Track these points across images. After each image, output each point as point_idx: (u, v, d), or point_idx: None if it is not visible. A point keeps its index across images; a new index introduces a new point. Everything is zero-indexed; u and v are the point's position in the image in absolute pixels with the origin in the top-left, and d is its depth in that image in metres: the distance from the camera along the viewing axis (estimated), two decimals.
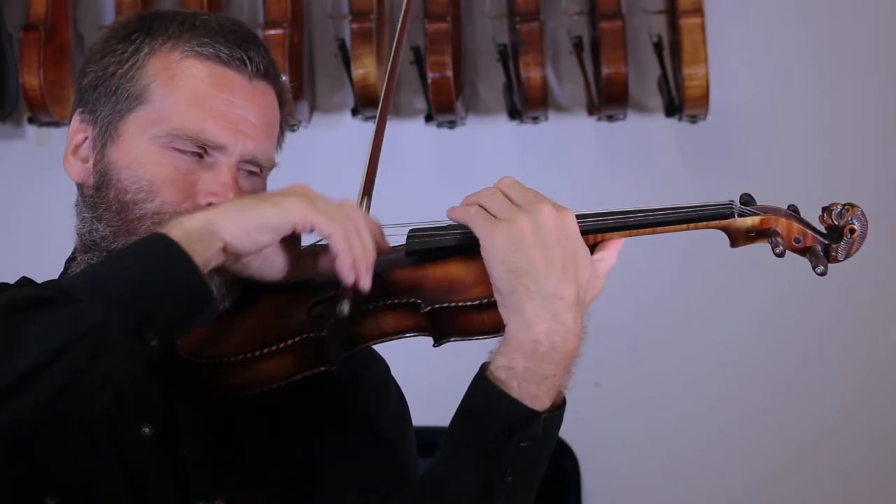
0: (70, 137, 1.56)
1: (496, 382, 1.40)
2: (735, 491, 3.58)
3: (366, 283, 1.41)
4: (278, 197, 1.40)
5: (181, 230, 1.34)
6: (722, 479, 3.59)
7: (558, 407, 1.43)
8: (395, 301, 1.46)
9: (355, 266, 1.40)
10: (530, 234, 1.39)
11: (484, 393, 1.41)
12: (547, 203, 1.42)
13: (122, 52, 1.53)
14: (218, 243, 1.35)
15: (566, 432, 1.48)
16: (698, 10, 3.34)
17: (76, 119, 1.56)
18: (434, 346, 1.48)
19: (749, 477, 3.57)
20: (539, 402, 1.40)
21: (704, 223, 1.50)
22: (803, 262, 1.51)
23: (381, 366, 1.65)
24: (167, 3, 3.55)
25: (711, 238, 1.58)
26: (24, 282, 1.57)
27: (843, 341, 3.56)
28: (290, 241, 1.44)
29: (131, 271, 1.32)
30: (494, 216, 1.42)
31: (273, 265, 1.44)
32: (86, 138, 1.55)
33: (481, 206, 1.43)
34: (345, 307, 1.42)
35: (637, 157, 3.59)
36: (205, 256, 1.34)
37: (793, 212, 1.52)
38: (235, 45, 1.52)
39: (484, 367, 1.42)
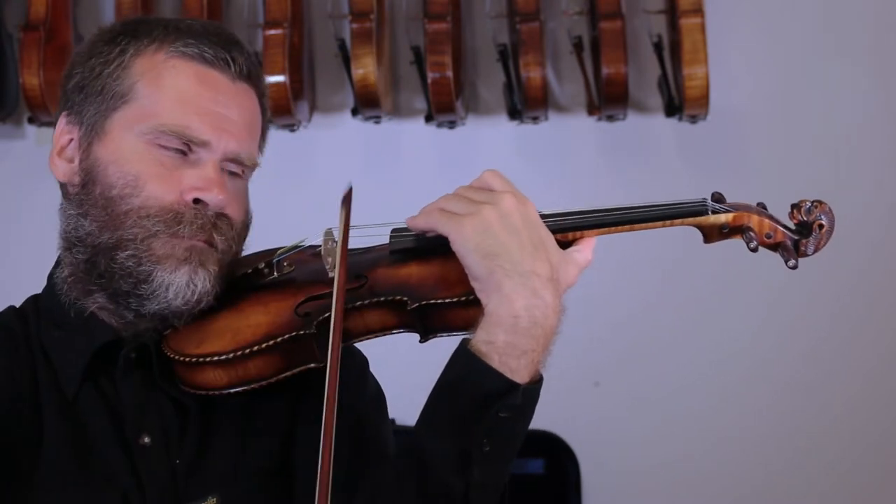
0: (56, 139, 1.59)
1: (477, 354, 1.43)
2: (735, 490, 3.58)
3: None
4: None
5: None
6: (722, 479, 3.58)
7: (536, 382, 1.46)
8: (382, 299, 1.49)
9: None
10: (497, 220, 1.44)
11: (464, 363, 1.43)
12: (507, 193, 1.46)
13: (107, 53, 1.56)
14: None
15: (566, 432, 1.49)
16: (698, 10, 3.34)
17: (62, 121, 1.59)
18: (420, 341, 1.50)
19: (749, 476, 3.57)
20: (518, 376, 1.43)
21: (680, 220, 1.53)
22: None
23: (357, 356, 1.67)
24: (167, 3, 3.55)
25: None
26: (30, 302, 1.60)
27: (843, 342, 3.56)
28: None
29: None
30: (458, 214, 1.45)
31: None
32: (71, 140, 1.57)
33: (443, 209, 1.47)
34: None
35: (637, 157, 3.59)
36: None
37: (762, 209, 1.55)
38: (219, 46, 1.55)
39: (464, 342, 1.45)
